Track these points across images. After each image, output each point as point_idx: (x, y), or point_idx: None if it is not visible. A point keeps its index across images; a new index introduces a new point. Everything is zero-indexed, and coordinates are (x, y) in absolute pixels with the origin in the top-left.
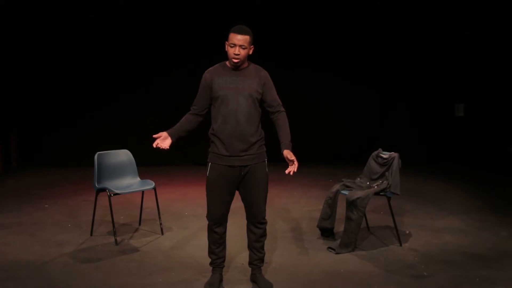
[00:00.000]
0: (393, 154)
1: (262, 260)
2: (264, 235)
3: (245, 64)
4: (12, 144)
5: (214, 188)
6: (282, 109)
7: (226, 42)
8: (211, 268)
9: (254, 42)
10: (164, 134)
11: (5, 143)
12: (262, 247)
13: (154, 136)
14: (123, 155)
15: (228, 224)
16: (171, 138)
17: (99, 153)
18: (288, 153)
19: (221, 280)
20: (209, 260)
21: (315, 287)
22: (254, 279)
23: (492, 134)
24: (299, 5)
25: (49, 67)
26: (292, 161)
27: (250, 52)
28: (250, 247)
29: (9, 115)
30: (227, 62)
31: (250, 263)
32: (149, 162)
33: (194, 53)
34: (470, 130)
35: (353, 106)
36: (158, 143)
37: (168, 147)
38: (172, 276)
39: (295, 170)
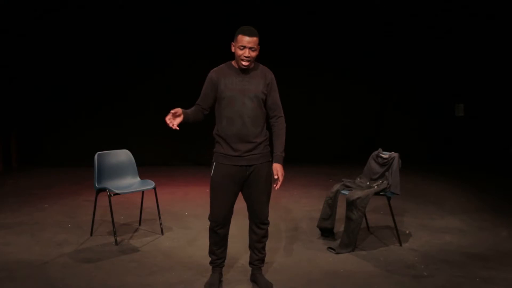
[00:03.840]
0: (393, 154)
1: (262, 260)
2: (266, 235)
3: (252, 65)
4: (12, 144)
5: (219, 188)
6: (282, 114)
7: (233, 44)
8: (210, 267)
9: None
10: (179, 110)
11: (5, 143)
12: (263, 248)
13: (171, 111)
14: (123, 155)
15: None
16: (183, 119)
17: (99, 153)
18: (275, 169)
19: (221, 280)
20: (209, 259)
21: (315, 287)
22: (254, 279)
23: (492, 134)
24: (298, 5)
25: (49, 67)
26: (277, 178)
27: (258, 53)
28: (251, 247)
29: (9, 115)
30: (233, 62)
31: (250, 263)
32: (149, 162)
33: (194, 53)
34: (470, 130)
35: (353, 106)
36: (170, 119)
37: (176, 127)
38: (172, 276)
39: (278, 188)
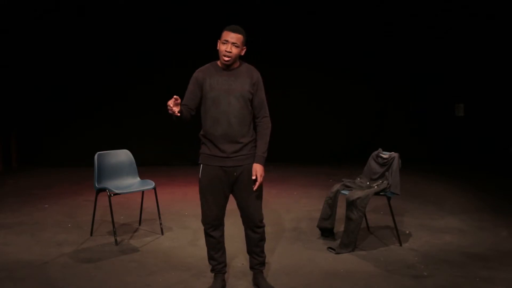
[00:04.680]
0: (393, 154)
1: (263, 263)
2: (262, 239)
3: (237, 64)
4: (12, 144)
5: (207, 190)
6: (267, 114)
7: (219, 40)
8: (211, 269)
9: (253, 42)
10: (180, 99)
11: (5, 143)
12: (262, 251)
13: (175, 96)
14: (123, 155)
15: (227, 224)
16: (179, 109)
17: (99, 153)
18: (254, 169)
19: (223, 286)
20: (208, 262)
21: (315, 287)
22: (256, 282)
23: (492, 134)
24: (298, 5)
25: (49, 67)
26: (255, 179)
27: (242, 53)
28: (249, 252)
29: (9, 115)
30: (218, 62)
31: (251, 268)
32: (149, 162)
33: (194, 53)
34: (470, 130)
35: (353, 106)
36: (171, 105)
37: (177, 113)
38: (172, 276)
39: (254, 189)
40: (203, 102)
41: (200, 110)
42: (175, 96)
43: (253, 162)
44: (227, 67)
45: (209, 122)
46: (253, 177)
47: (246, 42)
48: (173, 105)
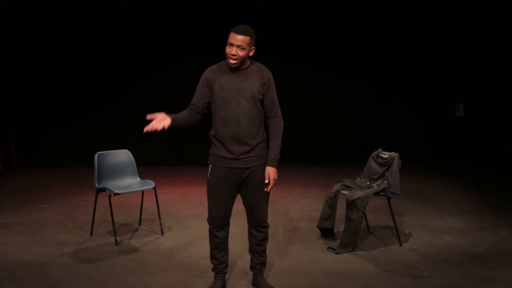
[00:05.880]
0: (393, 154)
1: (264, 264)
2: (265, 238)
3: (247, 64)
4: (12, 144)
5: (215, 191)
6: (279, 114)
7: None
8: (211, 269)
9: (255, 42)
10: (161, 115)
11: (5, 143)
12: (264, 251)
13: (148, 117)
14: (123, 155)
15: (230, 224)
16: (172, 122)
17: (99, 153)
18: (267, 172)
19: (223, 286)
20: (210, 261)
21: (315, 287)
22: (256, 283)
23: (492, 134)
24: (298, 5)
25: (49, 67)
26: (268, 183)
27: (251, 54)
28: (251, 251)
29: (9, 115)
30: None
31: (251, 267)
32: (149, 162)
33: (194, 53)
34: (470, 130)
35: (353, 106)
36: (153, 126)
37: (166, 128)
38: (172, 276)
39: (268, 190)
40: (213, 102)
41: (211, 109)
42: (148, 117)
43: (262, 163)
44: (235, 69)
45: (219, 122)
46: (266, 181)
47: (255, 42)
48: (157, 123)
